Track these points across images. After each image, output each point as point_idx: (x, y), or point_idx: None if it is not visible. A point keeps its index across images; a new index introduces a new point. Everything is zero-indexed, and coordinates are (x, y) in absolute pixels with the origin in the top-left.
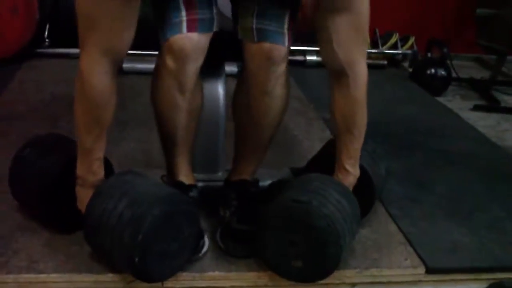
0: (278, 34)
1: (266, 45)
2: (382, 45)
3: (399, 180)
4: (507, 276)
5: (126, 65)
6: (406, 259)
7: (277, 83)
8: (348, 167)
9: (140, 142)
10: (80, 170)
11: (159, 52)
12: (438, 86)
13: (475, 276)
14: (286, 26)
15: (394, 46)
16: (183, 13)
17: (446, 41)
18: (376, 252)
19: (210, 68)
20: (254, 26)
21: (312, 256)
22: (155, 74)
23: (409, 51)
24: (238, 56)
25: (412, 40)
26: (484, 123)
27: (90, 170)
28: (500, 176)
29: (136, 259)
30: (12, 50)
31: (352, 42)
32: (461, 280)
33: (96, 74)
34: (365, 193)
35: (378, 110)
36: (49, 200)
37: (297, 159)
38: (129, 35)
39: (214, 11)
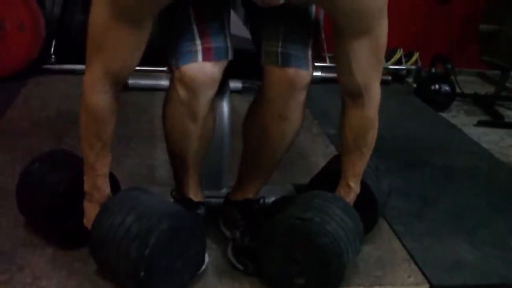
0: (302, 59)
1: (291, 70)
2: (387, 61)
3: (403, 196)
4: None
5: (130, 81)
6: (409, 276)
7: (296, 110)
8: (352, 184)
9: (144, 158)
10: (86, 186)
11: (170, 79)
12: (442, 102)
13: None
14: (310, 52)
15: (399, 62)
16: (198, 41)
17: (450, 56)
18: (379, 269)
19: None
20: (279, 50)
21: (315, 273)
22: (166, 100)
23: (413, 67)
24: (242, 73)
25: (416, 55)
26: (488, 138)
27: (95, 186)
28: (504, 192)
29: (142, 273)
30: (18, 66)
31: (371, 66)
32: None
33: (97, 92)
34: (368, 209)
35: (382, 126)
36: (56, 215)
37: (301, 176)
38: (134, 61)
39: (228, 39)
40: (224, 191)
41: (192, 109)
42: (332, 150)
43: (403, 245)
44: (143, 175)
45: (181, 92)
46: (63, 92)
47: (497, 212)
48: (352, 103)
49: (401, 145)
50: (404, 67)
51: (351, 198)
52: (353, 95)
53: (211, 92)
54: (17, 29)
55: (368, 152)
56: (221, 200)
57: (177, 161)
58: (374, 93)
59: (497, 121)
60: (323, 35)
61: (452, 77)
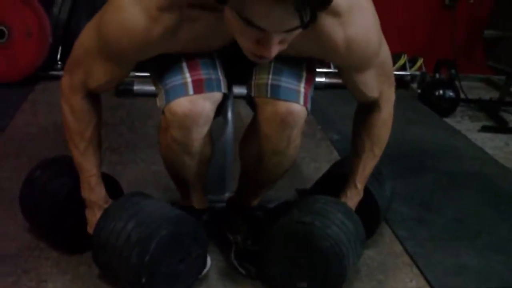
0: (293, 92)
1: (282, 105)
2: None
3: (406, 201)
4: None
5: (136, 87)
6: (411, 281)
7: (291, 145)
8: (359, 185)
9: (150, 164)
10: (82, 190)
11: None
12: (446, 107)
13: None
14: (302, 84)
15: (403, 68)
16: (187, 74)
17: (454, 62)
18: (381, 273)
19: None
20: (269, 82)
21: (317, 276)
22: (159, 132)
23: (417, 72)
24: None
25: (420, 61)
26: (492, 144)
27: (89, 188)
28: (508, 198)
29: (143, 280)
30: (25, 73)
31: (381, 82)
32: None
33: (76, 95)
34: (370, 214)
35: None
36: (59, 221)
37: (304, 181)
38: (111, 86)
39: (219, 72)
40: (227, 195)
41: (187, 148)
42: (335, 156)
43: (405, 250)
44: (148, 181)
45: (173, 131)
46: None
47: (501, 218)
48: (367, 107)
49: (405, 150)
50: (408, 73)
51: (356, 200)
52: (368, 103)
53: (205, 128)
54: (24, 36)
55: (379, 153)
56: (225, 205)
57: (177, 181)
58: (389, 97)
59: (501, 127)
60: None
61: (456, 83)
